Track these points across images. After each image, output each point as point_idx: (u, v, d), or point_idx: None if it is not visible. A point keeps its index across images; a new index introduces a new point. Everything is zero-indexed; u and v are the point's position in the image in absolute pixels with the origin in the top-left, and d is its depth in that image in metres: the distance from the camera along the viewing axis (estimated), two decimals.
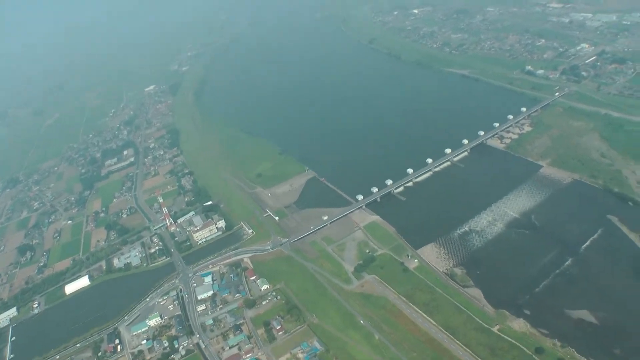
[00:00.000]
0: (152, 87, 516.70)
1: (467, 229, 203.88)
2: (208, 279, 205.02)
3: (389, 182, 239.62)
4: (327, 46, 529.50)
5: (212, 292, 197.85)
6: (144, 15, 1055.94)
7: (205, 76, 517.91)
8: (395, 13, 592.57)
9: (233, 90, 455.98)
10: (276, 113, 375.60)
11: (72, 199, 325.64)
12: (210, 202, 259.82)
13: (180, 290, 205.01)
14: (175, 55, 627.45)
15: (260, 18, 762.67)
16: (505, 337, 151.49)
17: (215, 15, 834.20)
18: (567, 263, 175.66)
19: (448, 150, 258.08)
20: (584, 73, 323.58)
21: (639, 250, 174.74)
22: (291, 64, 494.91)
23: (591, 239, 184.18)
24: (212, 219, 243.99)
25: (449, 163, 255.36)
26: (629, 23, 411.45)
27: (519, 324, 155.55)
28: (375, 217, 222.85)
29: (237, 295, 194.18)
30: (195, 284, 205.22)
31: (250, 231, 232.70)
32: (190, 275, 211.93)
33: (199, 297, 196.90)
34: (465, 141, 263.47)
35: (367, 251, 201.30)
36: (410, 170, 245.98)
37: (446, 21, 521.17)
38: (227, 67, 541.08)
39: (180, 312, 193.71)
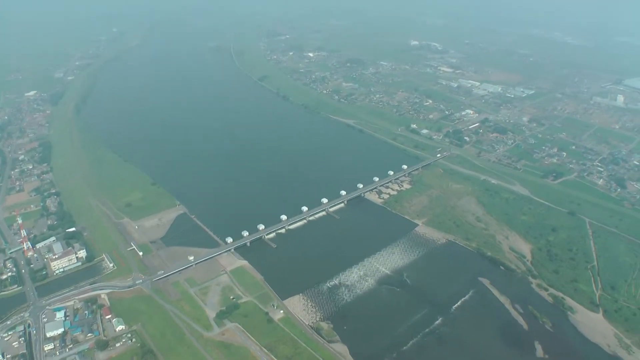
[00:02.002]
0: (32, 92, 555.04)
1: (337, 282, 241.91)
2: (60, 315, 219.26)
3: (261, 226, 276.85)
4: (217, 77, 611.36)
5: (62, 329, 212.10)
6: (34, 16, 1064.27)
7: (90, 89, 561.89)
8: (291, 53, 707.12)
9: (115, 108, 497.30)
10: (154, 140, 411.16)
11: None
12: (73, 229, 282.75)
13: (29, 326, 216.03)
14: (62, 62, 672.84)
15: (153, 37, 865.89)
16: None
17: (108, 27, 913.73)
18: (437, 322, 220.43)
19: (325, 200, 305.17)
20: (466, 138, 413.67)
21: (508, 313, 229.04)
22: (177, 91, 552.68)
23: (462, 299, 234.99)
24: (73, 247, 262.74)
25: (324, 213, 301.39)
26: (512, 96, 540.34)
27: None
28: (243, 262, 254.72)
29: (90, 334, 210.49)
30: (45, 319, 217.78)
31: (111, 265, 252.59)
32: (41, 308, 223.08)
33: (47, 335, 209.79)
34: (343, 192, 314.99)
35: (232, 297, 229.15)
36: (283, 217, 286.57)
37: (339, 68, 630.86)
38: (113, 83, 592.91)
39: (25, 351, 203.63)
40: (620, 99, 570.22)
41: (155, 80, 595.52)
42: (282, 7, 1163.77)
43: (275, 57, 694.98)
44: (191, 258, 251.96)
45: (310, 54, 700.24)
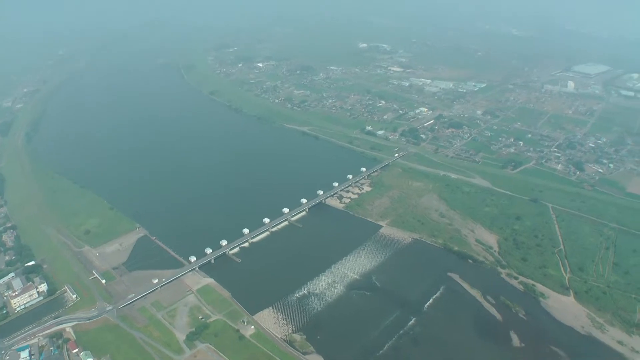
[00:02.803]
0: None
1: (305, 291, 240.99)
2: (25, 354, 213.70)
3: (224, 242, 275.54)
4: (168, 94, 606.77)
5: None
6: None
7: (40, 116, 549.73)
8: (240, 65, 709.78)
9: (67, 133, 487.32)
10: (109, 163, 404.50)
11: None
12: (32, 262, 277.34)
13: None
14: (9, 91, 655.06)
15: (101, 57, 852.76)
16: None
17: (53, 50, 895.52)
18: (410, 323, 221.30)
19: (286, 210, 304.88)
20: (422, 136, 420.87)
21: (481, 306, 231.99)
22: (129, 111, 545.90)
23: (434, 297, 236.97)
24: (34, 281, 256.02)
25: (286, 223, 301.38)
26: (464, 91, 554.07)
27: None
28: (209, 280, 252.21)
29: None
30: None
31: (74, 296, 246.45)
32: (2, 351, 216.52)
33: None
34: (304, 200, 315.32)
35: (200, 317, 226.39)
36: (246, 230, 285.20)
37: (289, 77, 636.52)
38: (63, 108, 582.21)
39: None
40: (571, 85, 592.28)
41: (106, 101, 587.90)
42: (228, 18, 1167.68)
43: (224, 70, 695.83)
44: (155, 281, 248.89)
45: (260, 64, 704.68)
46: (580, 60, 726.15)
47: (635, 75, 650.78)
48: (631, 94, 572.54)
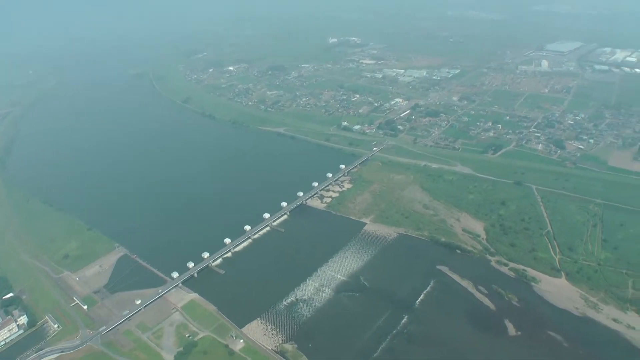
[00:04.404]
0: None
1: (293, 299, 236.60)
2: None
3: (206, 254, 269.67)
4: (141, 106, 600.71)
5: None
6: None
7: (13, 138, 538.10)
8: (211, 70, 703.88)
9: (42, 155, 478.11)
10: (85, 182, 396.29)
11: None
12: (11, 294, 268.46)
13: None
14: None
15: (71, 74, 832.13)
16: None
17: (23, 70, 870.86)
18: (403, 321, 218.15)
19: (266, 215, 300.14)
20: (400, 127, 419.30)
21: (473, 296, 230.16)
22: (104, 127, 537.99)
23: (425, 292, 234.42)
24: (13, 315, 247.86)
25: (268, 228, 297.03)
26: (438, 78, 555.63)
27: None
28: (194, 295, 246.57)
29: None
30: None
31: (56, 326, 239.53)
32: None
33: None
34: (284, 204, 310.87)
35: (187, 335, 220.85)
36: (227, 240, 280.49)
37: (261, 78, 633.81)
38: (37, 128, 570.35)
39: None
40: (545, 64, 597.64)
41: (79, 119, 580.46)
42: (194, 22, 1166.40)
43: (195, 76, 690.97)
44: (138, 302, 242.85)
45: (231, 68, 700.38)
46: (553, 38, 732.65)
47: (608, 50, 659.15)
48: (605, 68, 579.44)
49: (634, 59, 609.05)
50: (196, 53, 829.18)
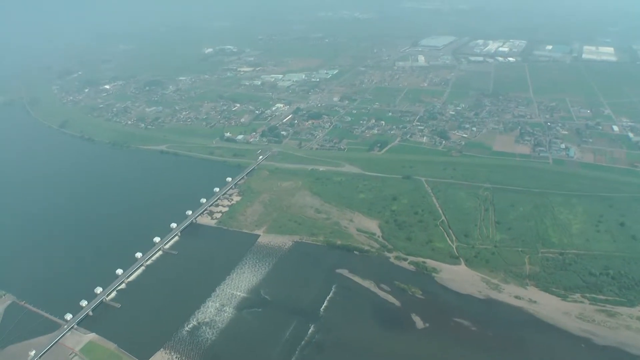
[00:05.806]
0: None
1: (195, 323, 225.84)
2: None
3: (99, 289, 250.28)
4: (14, 136, 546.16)
5: None
6: None
7: None
8: (87, 90, 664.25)
9: None
10: None
11: None
12: None
13: None
14: None
15: None
16: None
17: None
18: (310, 330, 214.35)
19: (157, 239, 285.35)
20: (283, 132, 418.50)
21: (376, 296, 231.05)
22: None
23: (328, 298, 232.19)
24: None
25: (160, 253, 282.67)
26: (317, 80, 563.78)
27: None
28: (91, 336, 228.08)
29: None
30: None
31: None
32: None
33: None
34: (174, 225, 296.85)
35: None
36: (119, 271, 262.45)
37: (139, 95, 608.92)
38: None
39: None
40: (422, 59, 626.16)
41: None
42: (62, 37, 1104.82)
43: (71, 98, 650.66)
44: (32, 352, 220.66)
45: (107, 87, 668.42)
46: (426, 34, 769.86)
47: (481, 41, 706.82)
48: (480, 58, 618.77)
49: (506, 49, 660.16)
50: (70, 73, 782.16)
